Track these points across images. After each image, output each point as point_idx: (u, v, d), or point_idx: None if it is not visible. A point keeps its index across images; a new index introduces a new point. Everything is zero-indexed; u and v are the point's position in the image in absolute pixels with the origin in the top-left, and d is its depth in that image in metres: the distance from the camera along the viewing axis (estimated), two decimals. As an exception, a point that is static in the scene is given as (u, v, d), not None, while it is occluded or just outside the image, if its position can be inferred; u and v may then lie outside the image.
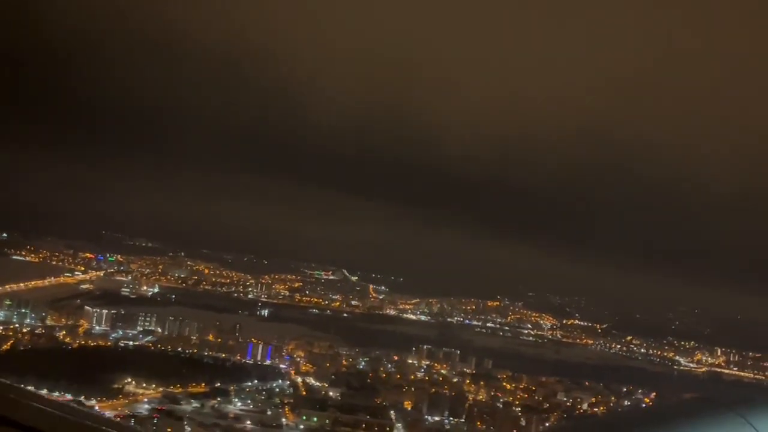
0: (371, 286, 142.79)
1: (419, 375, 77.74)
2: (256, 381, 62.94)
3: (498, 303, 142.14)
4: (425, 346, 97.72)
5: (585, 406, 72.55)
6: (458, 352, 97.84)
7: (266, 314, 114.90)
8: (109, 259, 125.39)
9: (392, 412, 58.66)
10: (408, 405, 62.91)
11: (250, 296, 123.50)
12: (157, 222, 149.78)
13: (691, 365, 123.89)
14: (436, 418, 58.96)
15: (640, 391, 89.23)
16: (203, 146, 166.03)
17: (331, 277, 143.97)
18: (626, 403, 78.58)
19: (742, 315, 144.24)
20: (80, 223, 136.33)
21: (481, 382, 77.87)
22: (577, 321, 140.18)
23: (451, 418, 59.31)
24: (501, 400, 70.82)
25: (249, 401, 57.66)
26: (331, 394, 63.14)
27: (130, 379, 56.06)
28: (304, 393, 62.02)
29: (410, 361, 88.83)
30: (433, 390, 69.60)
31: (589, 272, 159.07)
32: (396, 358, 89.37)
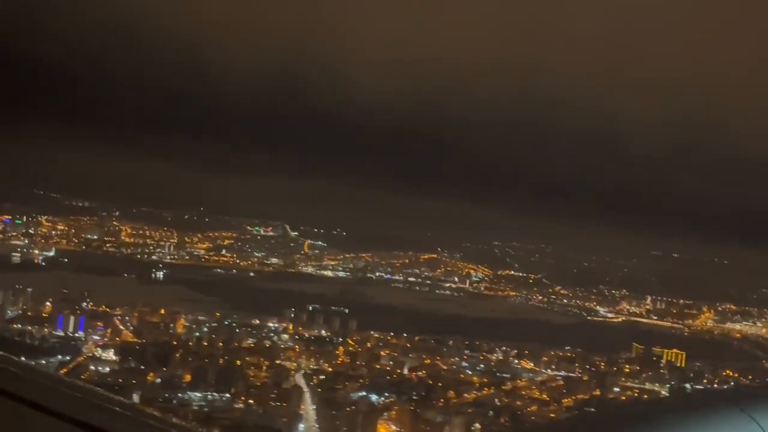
0: (307, 242, 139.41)
1: (248, 342, 74.58)
2: (22, 357, 59.90)
3: (435, 255, 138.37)
4: (311, 306, 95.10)
5: (405, 370, 69.19)
6: (346, 311, 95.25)
7: (161, 276, 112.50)
8: (16, 222, 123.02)
9: (144, 388, 55.50)
10: (187, 379, 59.88)
11: (153, 257, 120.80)
12: (103, 180, 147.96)
13: (609, 315, 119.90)
14: (197, 395, 55.82)
15: (503, 348, 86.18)
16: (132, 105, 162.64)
17: (270, 233, 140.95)
18: (461, 363, 75.42)
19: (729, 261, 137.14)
20: (11, 184, 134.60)
21: (311, 348, 74.79)
22: (512, 272, 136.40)
23: (215, 394, 56.18)
24: (309, 367, 67.49)
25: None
26: (107, 369, 60.44)
27: None
28: (64, 371, 59.23)
29: (270, 325, 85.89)
30: (241, 360, 66.64)
31: (551, 223, 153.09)
32: (257, 322, 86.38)
